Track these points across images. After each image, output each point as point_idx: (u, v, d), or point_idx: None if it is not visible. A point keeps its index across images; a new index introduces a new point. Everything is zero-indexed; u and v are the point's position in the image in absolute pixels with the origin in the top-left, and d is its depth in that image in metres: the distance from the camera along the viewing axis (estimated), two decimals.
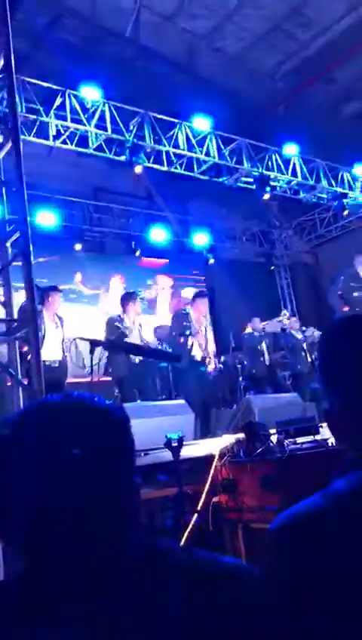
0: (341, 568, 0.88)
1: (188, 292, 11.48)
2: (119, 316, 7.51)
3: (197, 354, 7.73)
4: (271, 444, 4.37)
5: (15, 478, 0.84)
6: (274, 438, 4.45)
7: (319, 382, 1.20)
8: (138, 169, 8.51)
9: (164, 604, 0.83)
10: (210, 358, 7.87)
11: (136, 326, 7.52)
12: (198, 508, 3.96)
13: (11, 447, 0.87)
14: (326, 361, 1.16)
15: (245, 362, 8.99)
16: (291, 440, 4.32)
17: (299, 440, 4.34)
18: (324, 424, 3.90)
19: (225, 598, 0.88)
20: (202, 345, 7.79)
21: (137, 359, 7.26)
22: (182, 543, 3.68)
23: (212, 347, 8.05)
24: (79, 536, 0.83)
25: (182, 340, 7.61)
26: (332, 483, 1.05)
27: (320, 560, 0.90)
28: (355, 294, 8.05)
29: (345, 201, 11.27)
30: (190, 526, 3.78)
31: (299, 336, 9.77)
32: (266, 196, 10.10)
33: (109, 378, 7.30)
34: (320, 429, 4.35)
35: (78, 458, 0.83)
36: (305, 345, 9.54)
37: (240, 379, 8.50)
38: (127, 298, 7.80)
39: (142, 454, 4.28)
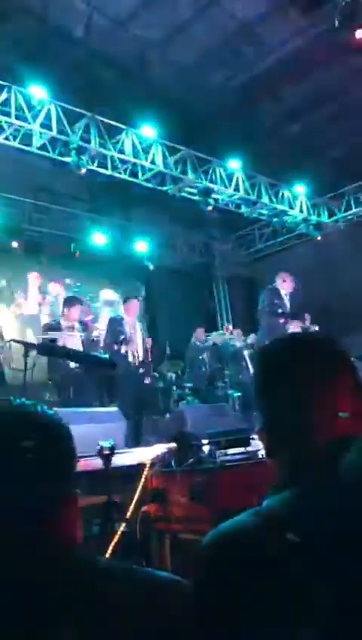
0: (269, 585, 0.89)
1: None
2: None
3: (132, 360, 7.68)
4: (203, 454, 4.40)
5: None
6: (205, 449, 4.48)
7: (254, 399, 1.22)
8: (83, 170, 8.42)
9: (104, 622, 0.82)
10: (144, 364, 7.84)
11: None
12: (127, 517, 3.92)
13: None
14: (258, 381, 1.19)
15: (185, 371, 9.06)
16: (222, 451, 4.36)
17: (231, 451, 4.39)
18: (256, 436, 3.97)
19: (163, 613, 0.88)
20: (137, 352, 7.75)
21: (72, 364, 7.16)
22: (108, 551, 3.64)
23: (146, 354, 8.02)
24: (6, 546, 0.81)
25: (115, 347, 7.55)
26: (264, 500, 1.07)
27: (248, 577, 0.91)
28: (279, 311, 8.25)
29: (284, 218, 11.55)
30: (117, 535, 3.74)
31: (239, 344, 9.90)
32: (209, 208, 10.21)
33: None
34: (251, 441, 4.42)
35: (14, 467, 0.82)
36: (246, 353, 9.66)
37: (174, 388, 8.53)
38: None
39: None
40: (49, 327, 7.33)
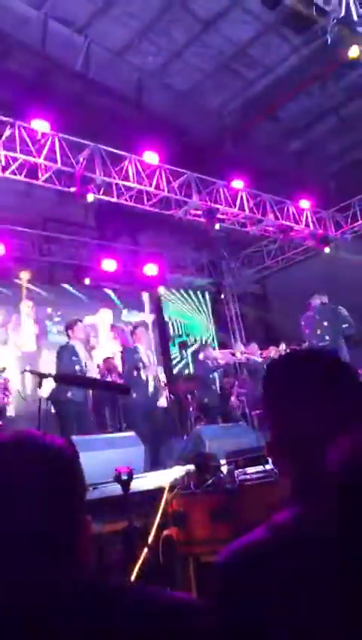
0: (282, 599, 0.90)
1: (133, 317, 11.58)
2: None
3: (150, 385, 7.79)
4: (222, 475, 4.38)
5: None
6: (224, 469, 4.47)
7: (263, 415, 1.24)
8: (90, 197, 8.53)
9: None
10: (158, 388, 7.92)
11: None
12: (148, 542, 3.91)
13: None
14: (266, 396, 1.20)
15: (195, 392, 9.02)
16: (241, 470, 4.34)
17: (249, 470, 4.36)
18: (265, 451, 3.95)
19: (175, 634, 0.88)
20: (153, 376, 7.86)
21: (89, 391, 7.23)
22: (132, 578, 3.62)
23: (161, 377, 8.10)
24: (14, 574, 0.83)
25: (135, 373, 7.67)
26: (276, 515, 1.08)
27: (260, 591, 0.92)
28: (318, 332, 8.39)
29: (291, 233, 11.60)
30: (140, 561, 3.73)
31: (259, 359, 9.86)
32: (216, 227, 10.29)
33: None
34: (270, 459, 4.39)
35: (20, 495, 0.84)
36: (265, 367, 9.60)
37: (191, 409, 8.51)
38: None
39: (91, 488, 4.22)
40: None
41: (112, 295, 11.73)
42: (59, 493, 0.89)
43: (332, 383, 1.14)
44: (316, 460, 1.06)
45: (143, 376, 7.67)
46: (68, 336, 7.61)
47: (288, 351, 9.92)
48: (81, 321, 8.01)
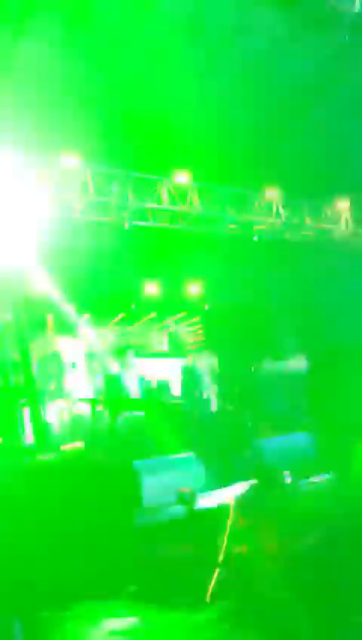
0: None
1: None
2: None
3: (211, 403, 7.98)
4: (286, 485, 4.34)
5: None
6: (288, 480, 4.43)
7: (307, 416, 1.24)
8: (125, 226, 8.70)
9: None
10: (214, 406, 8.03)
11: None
12: (219, 561, 3.89)
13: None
14: (309, 395, 1.20)
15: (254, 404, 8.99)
16: (305, 479, 4.30)
17: (313, 478, 4.31)
18: None
19: None
20: (211, 394, 8.03)
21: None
22: (207, 597, 3.63)
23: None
24: None
25: (197, 393, 7.88)
26: None
27: None
28: None
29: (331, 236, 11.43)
30: (213, 580, 3.72)
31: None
32: (254, 239, 10.26)
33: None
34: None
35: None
36: None
37: (249, 424, 8.44)
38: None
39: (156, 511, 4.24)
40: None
41: None
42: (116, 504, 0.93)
43: None
44: None
45: (205, 395, 7.88)
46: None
47: None
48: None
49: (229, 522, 4.18)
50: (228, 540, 4.05)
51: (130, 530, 3.94)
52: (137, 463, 5.53)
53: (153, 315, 11.65)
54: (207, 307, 11.58)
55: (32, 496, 4.00)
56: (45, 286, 9.22)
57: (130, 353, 8.42)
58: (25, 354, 7.24)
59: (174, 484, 4.05)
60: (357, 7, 7.57)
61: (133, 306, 11.00)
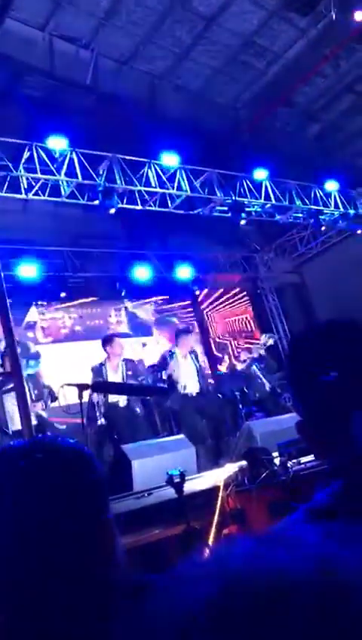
0: None
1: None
2: (101, 364, 7.58)
3: (191, 388, 7.89)
4: (275, 467, 4.31)
5: None
6: (277, 462, 4.40)
7: (290, 396, 1.19)
8: (112, 210, 8.60)
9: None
10: (203, 392, 8.02)
11: (120, 369, 7.57)
12: (209, 542, 3.87)
13: None
14: (292, 375, 1.14)
15: (244, 389, 8.97)
16: (295, 461, 4.27)
17: (303, 460, 4.28)
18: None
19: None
20: (193, 379, 7.98)
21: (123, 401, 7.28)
22: None
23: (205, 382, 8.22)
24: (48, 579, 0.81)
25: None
26: (314, 496, 1.03)
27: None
28: None
29: (321, 217, 11.40)
30: None
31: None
32: (243, 222, 10.17)
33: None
34: None
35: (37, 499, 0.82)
36: None
37: (241, 406, 8.43)
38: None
39: (146, 494, 4.22)
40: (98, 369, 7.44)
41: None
42: (79, 492, 0.87)
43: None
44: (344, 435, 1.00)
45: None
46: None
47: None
48: (117, 336, 8.18)
49: (219, 504, 4.16)
50: (218, 521, 4.04)
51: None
52: (126, 446, 5.51)
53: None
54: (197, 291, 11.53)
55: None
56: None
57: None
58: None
59: (164, 466, 4.00)
60: None
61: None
